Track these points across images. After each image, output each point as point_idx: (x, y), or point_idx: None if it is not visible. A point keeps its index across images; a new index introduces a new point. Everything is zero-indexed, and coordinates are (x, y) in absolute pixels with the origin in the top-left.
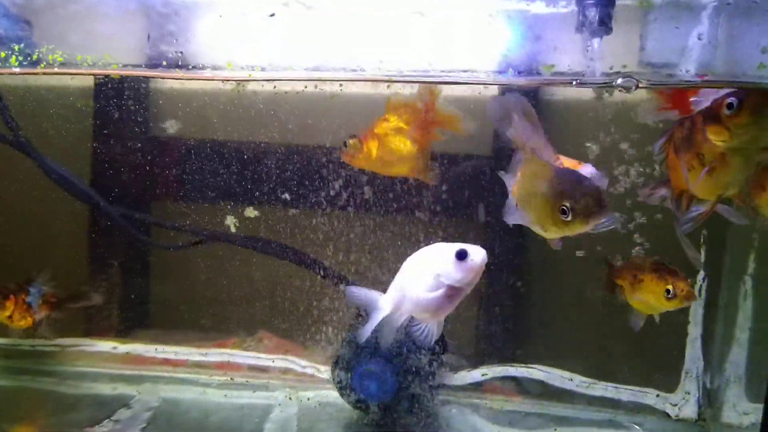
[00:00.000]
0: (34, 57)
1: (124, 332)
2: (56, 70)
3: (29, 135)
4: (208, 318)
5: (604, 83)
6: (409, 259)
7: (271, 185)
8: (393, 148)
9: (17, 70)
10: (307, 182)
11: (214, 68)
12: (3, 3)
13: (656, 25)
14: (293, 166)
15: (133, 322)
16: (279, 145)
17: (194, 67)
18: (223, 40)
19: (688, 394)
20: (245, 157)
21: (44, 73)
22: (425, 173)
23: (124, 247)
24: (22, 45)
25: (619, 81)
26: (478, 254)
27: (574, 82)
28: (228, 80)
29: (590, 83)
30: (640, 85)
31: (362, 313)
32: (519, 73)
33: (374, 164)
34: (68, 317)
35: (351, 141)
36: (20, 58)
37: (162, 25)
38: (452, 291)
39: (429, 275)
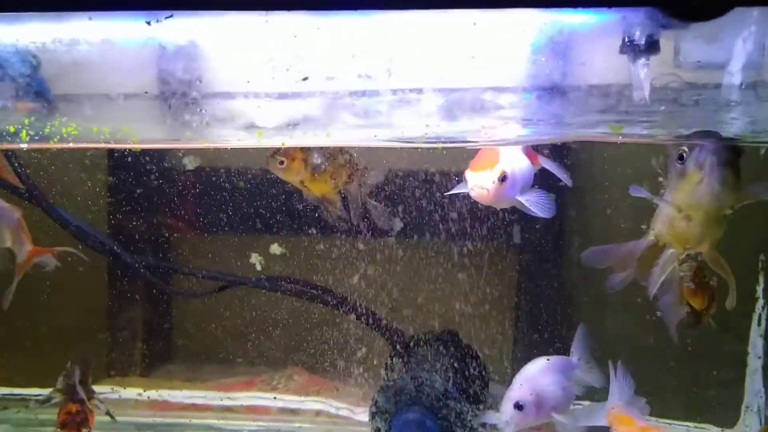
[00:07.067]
0: (46, 131)
1: (147, 372)
2: (71, 144)
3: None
4: (235, 354)
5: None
6: None
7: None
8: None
9: (25, 146)
10: None
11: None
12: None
13: None
14: None
15: (156, 360)
16: None
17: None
18: (250, 105)
19: (749, 428)
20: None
21: (58, 148)
22: None
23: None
24: (32, 118)
25: None
26: None
27: None
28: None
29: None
30: None
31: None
32: None
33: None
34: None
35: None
36: (31, 133)
37: (185, 93)
38: None
39: None
